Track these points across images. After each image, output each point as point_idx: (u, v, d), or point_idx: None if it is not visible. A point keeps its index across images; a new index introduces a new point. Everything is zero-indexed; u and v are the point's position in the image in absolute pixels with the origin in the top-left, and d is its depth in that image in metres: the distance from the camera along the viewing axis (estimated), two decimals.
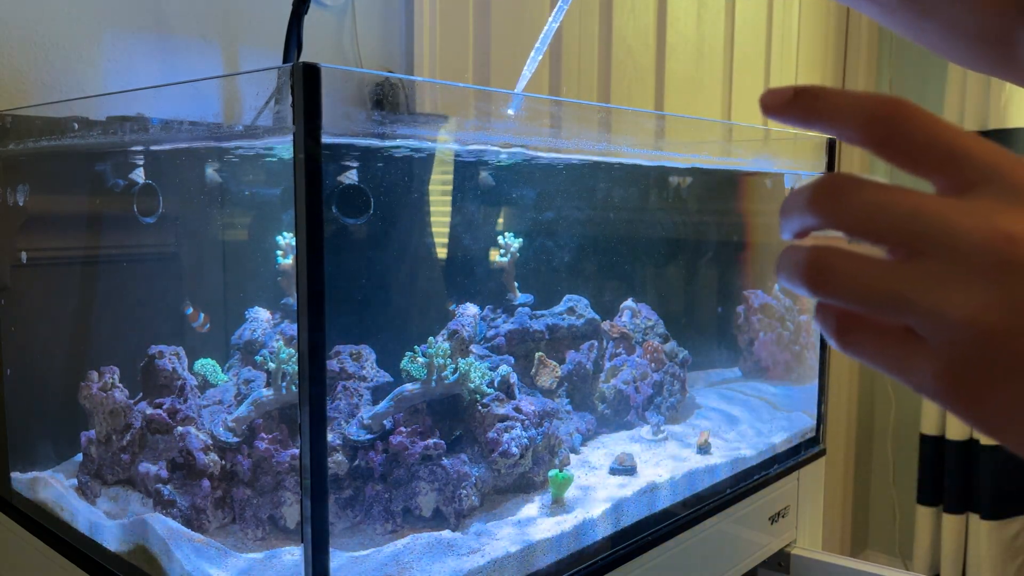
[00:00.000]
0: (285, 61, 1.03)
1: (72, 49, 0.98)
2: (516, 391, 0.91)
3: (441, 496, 0.79)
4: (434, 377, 0.83)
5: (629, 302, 1.23)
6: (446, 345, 0.86)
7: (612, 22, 1.64)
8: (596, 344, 1.10)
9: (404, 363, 0.85)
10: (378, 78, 1.07)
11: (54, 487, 0.84)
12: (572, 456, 0.97)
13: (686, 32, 1.83)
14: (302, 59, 0.68)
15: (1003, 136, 2.22)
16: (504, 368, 0.91)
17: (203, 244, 0.98)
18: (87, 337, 0.95)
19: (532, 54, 0.81)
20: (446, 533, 0.75)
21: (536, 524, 0.79)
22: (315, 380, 0.57)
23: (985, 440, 2.27)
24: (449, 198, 1.09)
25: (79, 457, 0.87)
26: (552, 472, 0.85)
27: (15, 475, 0.89)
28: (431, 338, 0.90)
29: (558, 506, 0.83)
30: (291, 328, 0.91)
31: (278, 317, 0.96)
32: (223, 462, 0.78)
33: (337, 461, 0.79)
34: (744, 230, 1.45)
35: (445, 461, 0.80)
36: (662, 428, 1.07)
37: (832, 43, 2.49)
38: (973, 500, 2.37)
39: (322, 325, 0.57)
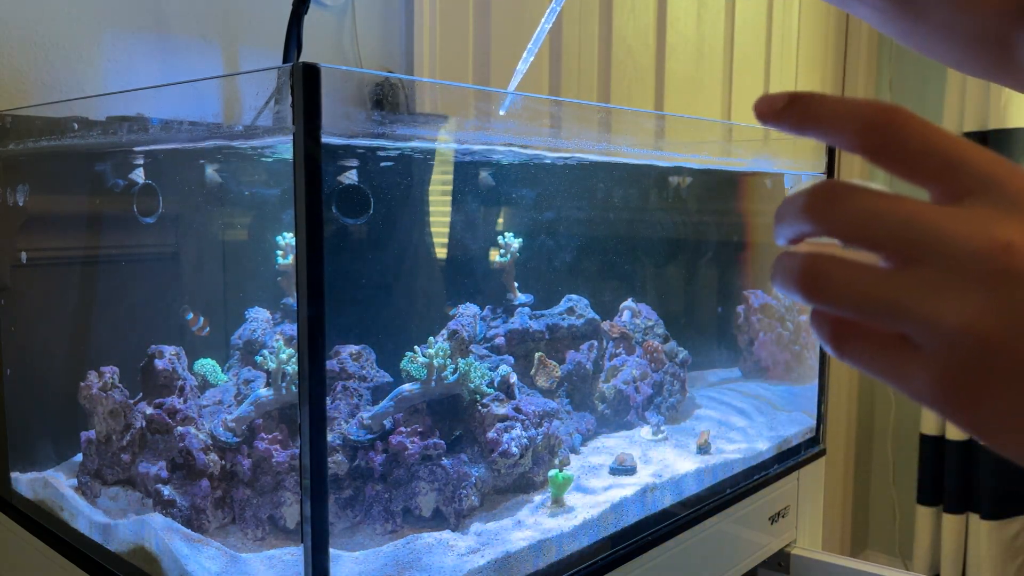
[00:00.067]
0: (285, 61, 1.03)
1: (72, 49, 0.98)
2: (516, 391, 0.91)
3: (441, 496, 0.79)
4: (434, 377, 0.83)
5: (629, 302, 1.23)
6: (446, 345, 0.86)
7: (612, 22, 1.64)
8: (596, 344, 1.10)
9: (404, 363, 0.85)
10: (378, 78, 1.07)
11: (54, 487, 0.84)
12: (572, 456, 0.97)
13: (686, 32, 1.83)
14: (302, 59, 0.68)
15: (1003, 136, 2.22)
16: (504, 368, 0.91)
17: (203, 244, 0.98)
18: (87, 337, 0.95)
19: (524, 55, 0.81)
20: (446, 533, 0.75)
21: (536, 524, 0.79)
22: (315, 380, 0.57)
23: None
24: (449, 198, 1.09)
25: (79, 457, 0.87)
26: (552, 472, 0.85)
27: (15, 475, 0.89)
28: (431, 338, 0.90)
29: (558, 506, 0.83)
30: (291, 328, 0.91)
31: (278, 317, 0.96)
32: (223, 462, 0.78)
33: (337, 461, 0.79)
34: (744, 230, 1.45)
35: (445, 461, 0.80)
36: (662, 428, 1.07)
37: (832, 43, 2.49)
38: (973, 500, 2.37)
39: (322, 325, 0.57)
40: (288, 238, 0.90)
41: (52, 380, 0.93)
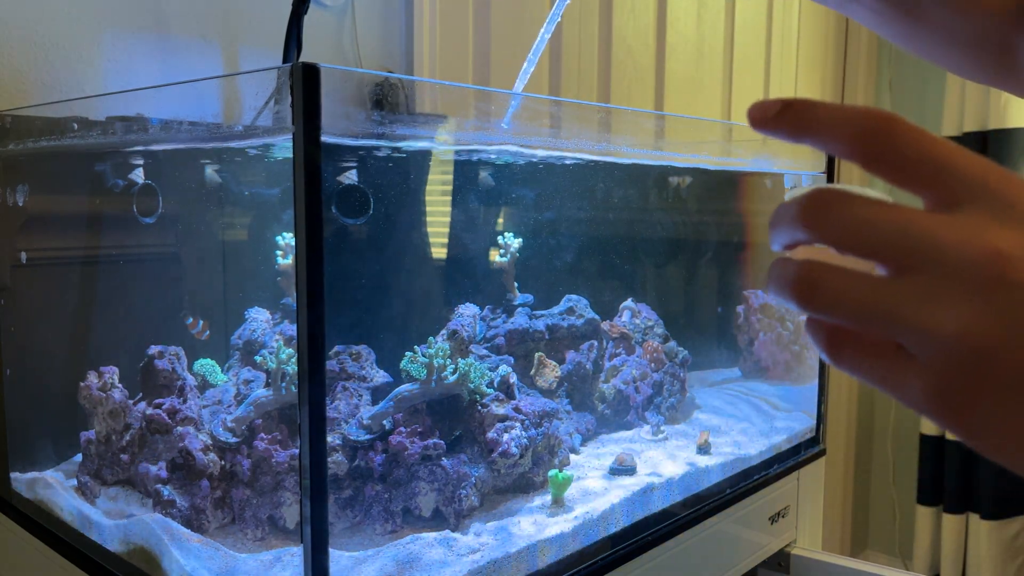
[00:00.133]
0: (285, 61, 1.03)
1: (72, 49, 0.98)
2: (516, 391, 0.91)
3: (441, 496, 0.79)
4: (434, 377, 0.83)
5: (629, 302, 1.23)
6: (446, 345, 0.86)
7: (612, 22, 1.64)
8: (596, 344, 1.10)
9: (404, 363, 0.85)
10: (378, 78, 1.07)
11: (54, 487, 0.84)
12: (572, 456, 0.97)
13: (686, 32, 1.83)
14: (302, 59, 0.68)
15: (1003, 136, 2.22)
16: (504, 368, 0.91)
17: (203, 244, 0.98)
18: (87, 337, 0.95)
19: (525, 65, 0.80)
20: (446, 533, 0.75)
21: (536, 524, 0.79)
22: (315, 380, 0.57)
23: None
24: (449, 198, 1.09)
25: (79, 457, 0.87)
26: (552, 472, 0.85)
27: (15, 475, 0.89)
28: (431, 338, 0.90)
29: (558, 506, 0.83)
30: (291, 328, 0.91)
31: (278, 317, 0.96)
32: (223, 462, 0.78)
33: (337, 461, 0.79)
34: (744, 230, 1.45)
35: (445, 461, 0.80)
36: (662, 428, 1.07)
37: (832, 43, 2.49)
38: (973, 500, 2.37)
39: (322, 325, 0.57)
40: (288, 238, 0.90)
41: (52, 380, 0.93)
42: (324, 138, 0.55)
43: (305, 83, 0.54)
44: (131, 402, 0.84)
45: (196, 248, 0.98)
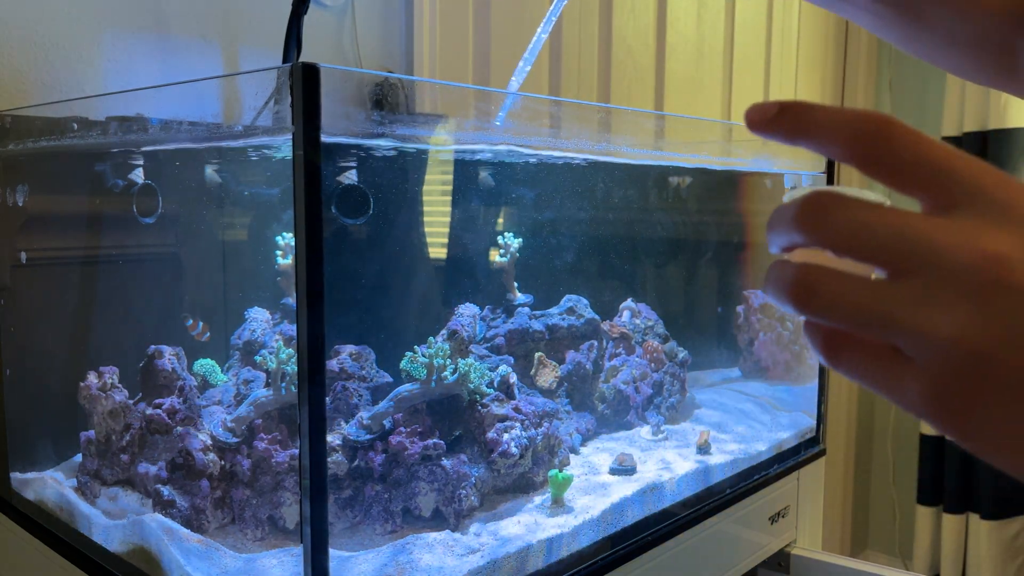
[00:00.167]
0: (285, 61, 1.03)
1: (72, 49, 0.98)
2: (516, 391, 0.91)
3: (441, 496, 0.79)
4: (434, 377, 0.83)
5: (629, 302, 1.23)
6: (446, 345, 0.86)
7: (612, 22, 1.64)
8: (596, 344, 1.10)
9: (404, 363, 0.85)
10: (378, 78, 1.08)
11: (54, 487, 0.84)
12: (572, 456, 0.97)
13: (686, 32, 1.83)
14: (302, 59, 0.68)
15: (1003, 136, 2.22)
16: (504, 368, 0.91)
17: (203, 244, 0.98)
18: (87, 337, 0.95)
19: (520, 64, 0.80)
20: (446, 533, 0.75)
21: (536, 524, 0.79)
22: (315, 380, 0.57)
23: None
24: (449, 198, 1.09)
25: (79, 457, 0.87)
26: (552, 472, 0.85)
27: (15, 475, 0.89)
28: (431, 338, 0.90)
29: (558, 506, 0.83)
30: (290, 328, 0.91)
31: (277, 317, 0.96)
32: (222, 462, 0.78)
33: (336, 461, 0.79)
34: (744, 230, 1.45)
35: (445, 461, 0.80)
36: (662, 428, 1.07)
37: (832, 43, 2.49)
38: (973, 500, 2.37)
39: (322, 325, 0.57)
40: (288, 238, 0.90)
41: (52, 380, 0.93)
42: (324, 138, 0.55)
43: (305, 83, 0.54)
44: (131, 402, 0.84)
45: (196, 248, 0.98)
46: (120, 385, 0.85)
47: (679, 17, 1.80)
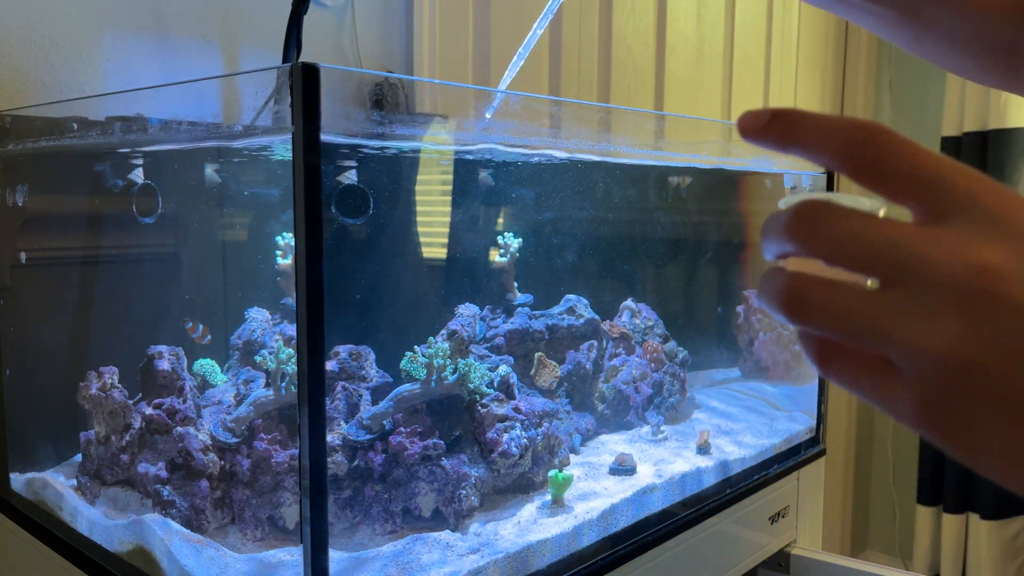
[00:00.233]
0: (285, 61, 1.03)
1: (72, 49, 0.98)
2: (516, 391, 0.91)
3: (441, 496, 0.79)
4: (434, 377, 0.83)
5: (629, 302, 1.23)
6: (445, 345, 0.86)
7: (612, 22, 1.64)
8: (596, 344, 1.10)
9: (404, 363, 0.85)
10: (378, 78, 1.08)
11: (54, 487, 0.84)
12: (572, 456, 0.97)
13: (686, 32, 1.83)
14: (302, 59, 0.68)
15: (1003, 136, 2.21)
16: (504, 368, 0.91)
17: (202, 244, 0.98)
18: (87, 337, 0.95)
19: (515, 59, 0.80)
20: (446, 533, 0.75)
21: (536, 524, 0.79)
22: (315, 380, 0.57)
23: None
24: (448, 198, 1.09)
25: (79, 457, 0.87)
26: (552, 472, 0.85)
27: (15, 475, 0.89)
28: (431, 338, 0.90)
29: (558, 506, 0.83)
30: (290, 328, 0.91)
31: (277, 317, 0.96)
32: (222, 462, 0.78)
33: (336, 461, 0.79)
34: (744, 230, 1.45)
35: (445, 461, 0.80)
36: (662, 428, 1.07)
37: (832, 43, 2.49)
38: (973, 500, 2.37)
39: (321, 325, 0.57)
40: (287, 238, 0.90)
41: (52, 380, 0.93)
42: (324, 138, 0.55)
43: (305, 83, 0.54)
44: (131, 402, 0.84)
45: (196, 248, 0.98)
46: (120, 385, 0.85)
47: (679, 17, 1.80)
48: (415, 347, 0.85)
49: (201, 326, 0.91)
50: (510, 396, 0.89)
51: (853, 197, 0.29)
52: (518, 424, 0.85)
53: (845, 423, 2.69)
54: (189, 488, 0.76)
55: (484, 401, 0.85)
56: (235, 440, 0.78)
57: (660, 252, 1.39)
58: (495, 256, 1.07)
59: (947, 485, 2.42)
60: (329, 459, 0.77)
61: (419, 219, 1.06)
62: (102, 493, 0.83)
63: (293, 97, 0.55)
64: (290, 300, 0.94)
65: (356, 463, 0.80)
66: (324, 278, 0.56)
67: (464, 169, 1.07)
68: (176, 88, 0.81)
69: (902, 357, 0.26)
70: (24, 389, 0.91)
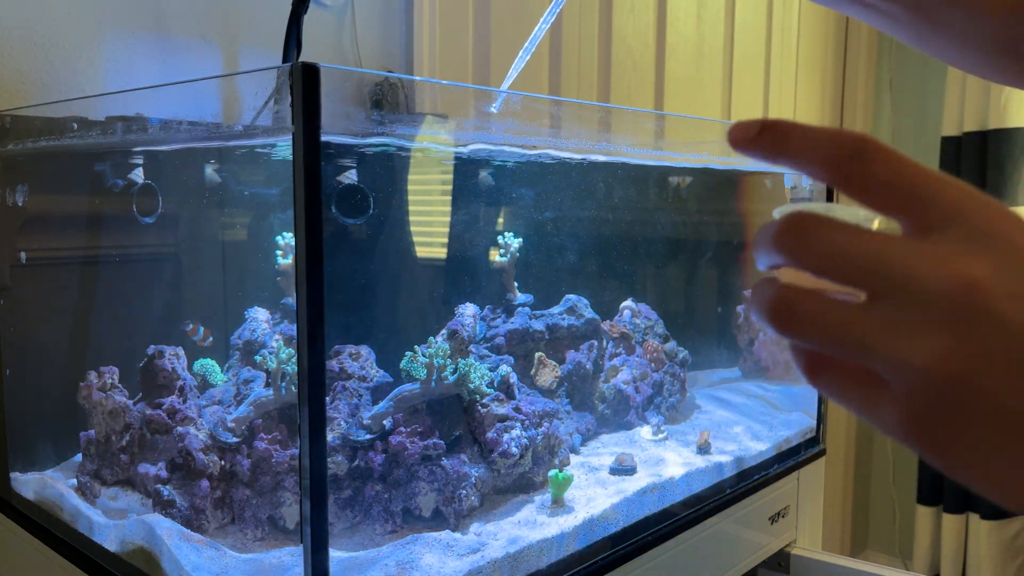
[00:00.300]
0: (285, 61, 1.03)
1: (72, 49, 0.98)
2: (516, 391, 0.91)
3: (441, 496, 0.79)
4: (434, 377, 0.83)
5: (629, 302, 1.23)
6: (446, 345, 0.86)
7: (612, 22, 1.64)
8: (596, 344, 1.10)
9: (404, 363, 0.85)
10: (378, 78, 1.08)
11: (54, 487, 0.84)
12: (572, 456, 0.97)
13: (686, 32, 1.83)
14: (302, 59, 0.68)
15: (1003, 136, 2.21)
16: (504, 368, 0.91)
17: (202, 244, 0.98)
18: (86, 337, 0.95)
19: (520, 54, 0.80)
20: (446, 533, 0.75)
21: (536, 524, 0.79)
22: (315, 380, 0.57)
23: None
24: (448, 198, 1.09)
25: (79, 457, 0.87)
26: (552, 472, 0.85)
27: (15, 475, 0.89)
28: (431, 338, 0.90)
29: (558, 506, 0.83)
30: (290, 328, 0.91)
31: (277, 317, 0.96)
32: (222, 462, 0.78)
33: (336, 461, 0.79)
34: (744, 230, 1.45)
35: (445, 461, 0.80)
36: (662, 428, 1.07)
37: (832, 43, 2.49)
38: (973, 500, 2.37)
39: (322, 325, 0.57)
40: (288, 238, 0.90)
41: (52, 380, 0.93)
42: (324, 138, 0.55)
43: (305, 83, 0.54)
44: (131, 402, 0.84)
45: (196, 248, 0.98)
46: (120, 385, 0.85)
47: (679, 17, 1.80)
48: (415, 347, 0.85)
49: (202, 329, 0.91)
50: (510, 396, 0.89)
51: (851, 209, 0.29)
52: (518, 424, 0.85)
53: (845, 423, 2.69)
54: (189, 488, 0.76)
55: (484, 401, 0.85)
56: (235, 440, 0.78)
57: (660, 252, 1.39)
58: (495, 256, 1.07)
59: (947, 485, 2.42)
60: (329, 459, 0.77)
61: (419, 219, 1.06)
62: (102, 493, 0.83)
63: (293, 97, 0.55)
64: (290, 300, 0.94)
65: (356, 463, 0.80)
66: (324, 278, 0.56)
67: (464, 169, 1.07)
68: (176, 88, 0.81)
69: (888, 370, 0.26)
70: (24, 389, 0.91)
